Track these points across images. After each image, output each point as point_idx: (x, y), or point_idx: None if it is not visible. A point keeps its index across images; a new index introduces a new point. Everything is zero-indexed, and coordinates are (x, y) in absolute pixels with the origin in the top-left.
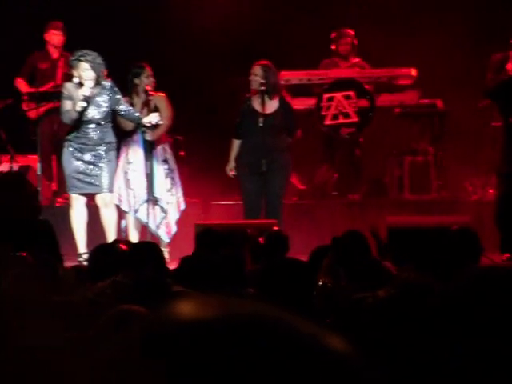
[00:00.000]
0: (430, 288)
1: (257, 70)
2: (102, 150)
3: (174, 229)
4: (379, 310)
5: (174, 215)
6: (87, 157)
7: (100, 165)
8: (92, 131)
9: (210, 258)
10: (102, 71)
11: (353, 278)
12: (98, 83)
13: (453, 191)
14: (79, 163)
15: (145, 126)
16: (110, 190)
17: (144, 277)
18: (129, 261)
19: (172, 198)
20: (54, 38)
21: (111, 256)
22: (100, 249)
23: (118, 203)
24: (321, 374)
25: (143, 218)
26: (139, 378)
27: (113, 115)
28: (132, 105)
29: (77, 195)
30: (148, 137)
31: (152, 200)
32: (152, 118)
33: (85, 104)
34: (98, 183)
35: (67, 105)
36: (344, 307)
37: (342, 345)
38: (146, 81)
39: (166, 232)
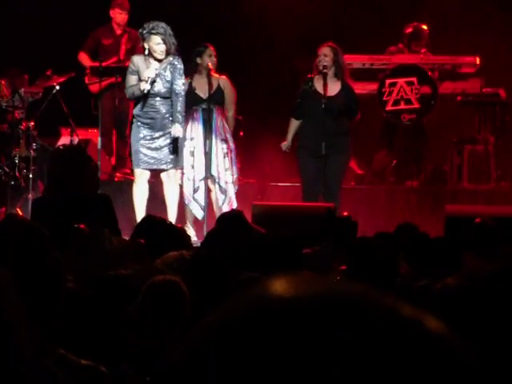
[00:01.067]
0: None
1: (326, 51)
2: (169, 125)
3: (235, 205)
4: (449, 299)
5: (232, 193)
6: (156, 133)
7: (167, 141)
8: (160, 104)
9: (267, 239)
10: (173, 43)
11: (415, 264)
12: (168, 55)
13: None
14: (147, 139)
15: (212, 102)
16: (176, 167)
17: (201, 254)
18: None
19: (230, 178)
20: (119, 16)
21: (162, 230)
22: (152, 222)
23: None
24: (423, 358)
25: (201, 201)
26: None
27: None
28: (192, 85)
29: (141, 170)
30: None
31: (210, 178)
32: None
33: (148, 86)
34: (164, 159)
35: (132, 80)
36: (406, 295)
37: (442, 328)
38: (208, 60)
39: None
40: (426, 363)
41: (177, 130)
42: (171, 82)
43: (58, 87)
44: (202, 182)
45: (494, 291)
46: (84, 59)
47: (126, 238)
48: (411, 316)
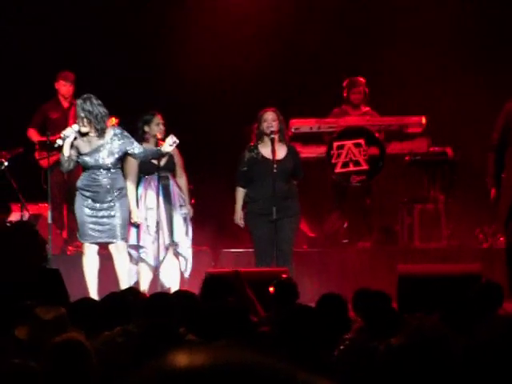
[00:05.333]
0: (447, 337)
1: (273, 116)
2: (113, 196)
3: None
4: (391, 358)
5: (191, 259)
6: (99, 205)
7: (112, 213)
8: (102, 178)
9: (217, 307)
10: (102, 121)
11: (372, 329)
12: (100, 133)
13: (463, 239)
14: (91, 212)
15: (165, 169)
16: (123, 238)
17: (155, 326)
18: (141, 309)
19: (190, 243)
20: (63, 88)
21: (122, 304)
22: (111, 297)
23: (144, 256)
24: None
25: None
26: None
27: (121, 162)
28: None
29: (89, 243)
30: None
31: (172, 245)
32: (168, 143)
33: (61, 142)
34: (110, 231)
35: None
36: (360, 359)
37: None
38: (156, 128)
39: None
40: None
41: (167, 142)
42: (123, 152)
43: (6, 163)
44: (167, 249)
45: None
46: (33, 135)
47: None
48: (305, 381)
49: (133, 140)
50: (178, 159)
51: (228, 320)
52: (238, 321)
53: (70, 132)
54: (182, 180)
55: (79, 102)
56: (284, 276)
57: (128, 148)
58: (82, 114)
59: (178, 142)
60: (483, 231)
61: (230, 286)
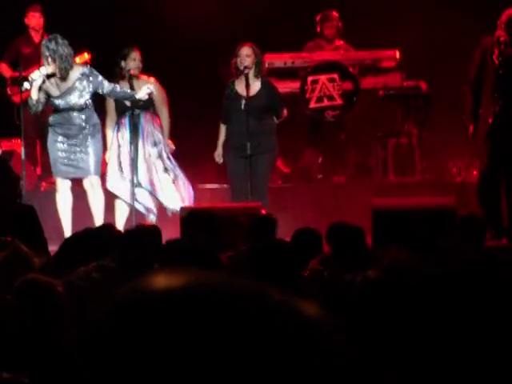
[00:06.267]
0: (420, 269)
1: (248, 51)
2: (86, 132)
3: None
4: (369, 290)
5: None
6: (72, 141)
7: (85, 148)
8: (75, 117)
9: (193, 243)
10: (67, 60)
11: (345, 265)
12: (64, 73)
13: (437, 173)
14: (64, 147)
15: (138, 107)
16: (97, 173)
17: (130, 261)
18: (117, 245)
19: (171, 178)
20: (33, 20)
21: (97, 240)
22: (86, 232)
23: (119, 193)
24: (290, 338)
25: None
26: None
27: (94, 100)
28: None
29: (62, 179)
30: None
31: (136, 184)
32: (144, 91)
33: (28, 86)
34: (84, 166)
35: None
36: (334, 290)
37: (313, 310)
38: (132, 64)
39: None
40: (293, 344)
41: (143, 90)
42: (93, 91)
43: None
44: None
45: (409, 285)
46: (4, 70)
47: (55, 247)
48: (280, 300)
49: (101, 79)
50: (158, 94)
51: (193, 256)
52: (204, 257)
53: (37, 76)
54: (163, 114)
55: (44, 41)
56: (263, 212)
57: (97, 87)
58: (47, 53)
59: (154, 92)
60: (456, 165)
61: (205, 222)
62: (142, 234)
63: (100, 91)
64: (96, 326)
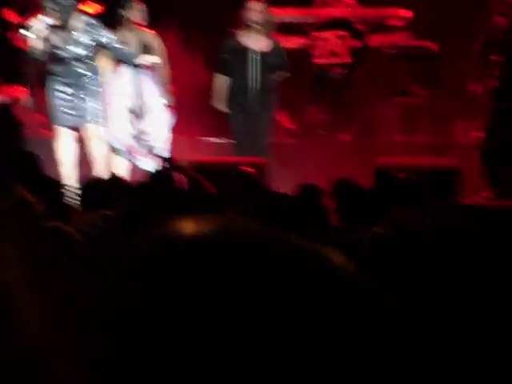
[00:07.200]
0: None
1: (259, 6)
2: (86, 82)
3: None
4: (378, 247)
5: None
6: (72, 89)
7: (85, 96)
8: (76, 67)
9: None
10: (67, 11)
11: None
12: (65, 23)
13: (443, 134)
14: (64, 95)
15: (137, 66)
16: (96, 122)
17: (136, 212)
18: (123, 196)
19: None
20: None
21: (102, 190)
22: (91, 183)
23: (117, 146)
24: (322, 287)
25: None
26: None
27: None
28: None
29: (63, 128)
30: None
31: (136, 136)
32: (148, 59)
33: (30, 34)
34: (83, 115)
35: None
36: (339, 246)
37: (343, 260)
38: (136, 14)
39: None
40: (324, 293)
41: (145, 57)
42: (95, 43)
43: None
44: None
45: (418, 241)
46: (12, 15)
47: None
48: (311, 248)
49: (104, 33)
50: (159, 48)
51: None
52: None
53: (38, 24)
54: (164, 69)
55: None
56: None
57: (99, 39)
58: (48, 3)
59: (157, 63)
60: (464, 126)
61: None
62: (146, 185)
63: (102, 43)
64: (122, 279)
